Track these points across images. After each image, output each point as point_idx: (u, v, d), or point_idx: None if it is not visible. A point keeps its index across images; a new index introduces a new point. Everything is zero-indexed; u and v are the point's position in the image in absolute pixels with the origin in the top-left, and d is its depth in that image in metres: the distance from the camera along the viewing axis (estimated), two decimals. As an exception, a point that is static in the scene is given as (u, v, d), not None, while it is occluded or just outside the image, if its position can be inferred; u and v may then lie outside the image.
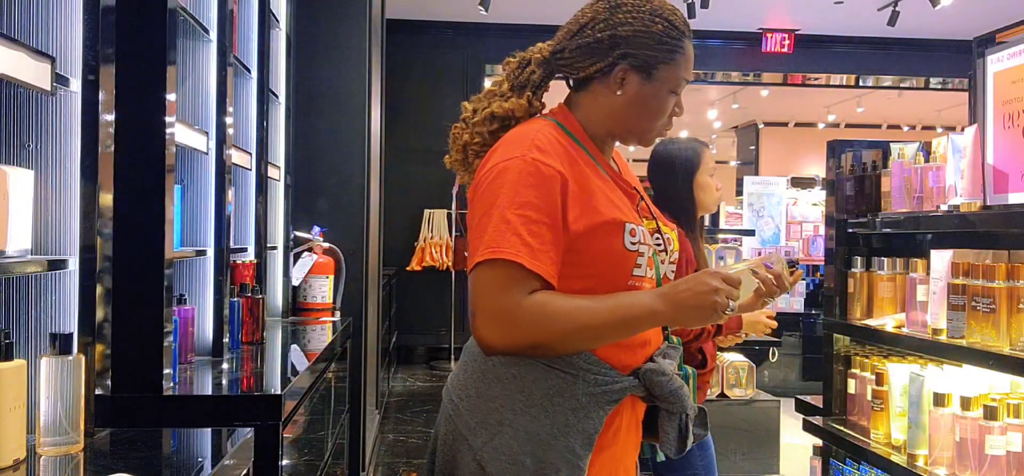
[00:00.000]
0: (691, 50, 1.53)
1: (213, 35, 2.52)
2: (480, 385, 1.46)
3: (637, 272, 1.47)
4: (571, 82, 1.58)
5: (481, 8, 7.33)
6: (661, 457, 1.58)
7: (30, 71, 1.49)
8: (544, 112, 1.57)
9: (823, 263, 3.42)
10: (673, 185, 2.63)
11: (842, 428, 3.03)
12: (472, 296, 1.41)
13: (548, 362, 1.43)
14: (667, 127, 1.56)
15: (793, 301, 7.37)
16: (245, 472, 1.71)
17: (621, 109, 1.51)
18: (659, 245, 1.54)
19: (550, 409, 1.42)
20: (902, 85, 9.89)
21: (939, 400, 2.43)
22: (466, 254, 8.37)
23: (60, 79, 1.63)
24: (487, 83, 8.99)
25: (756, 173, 13.41)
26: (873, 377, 2.90)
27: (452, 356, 8.22)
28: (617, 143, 1.60)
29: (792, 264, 1.57)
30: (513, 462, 1.41)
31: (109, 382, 1.85)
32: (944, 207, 2.69)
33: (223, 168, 2.56)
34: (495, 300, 1.37)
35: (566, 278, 1.42)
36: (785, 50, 8.95)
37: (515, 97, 1.54)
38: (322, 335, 3.32)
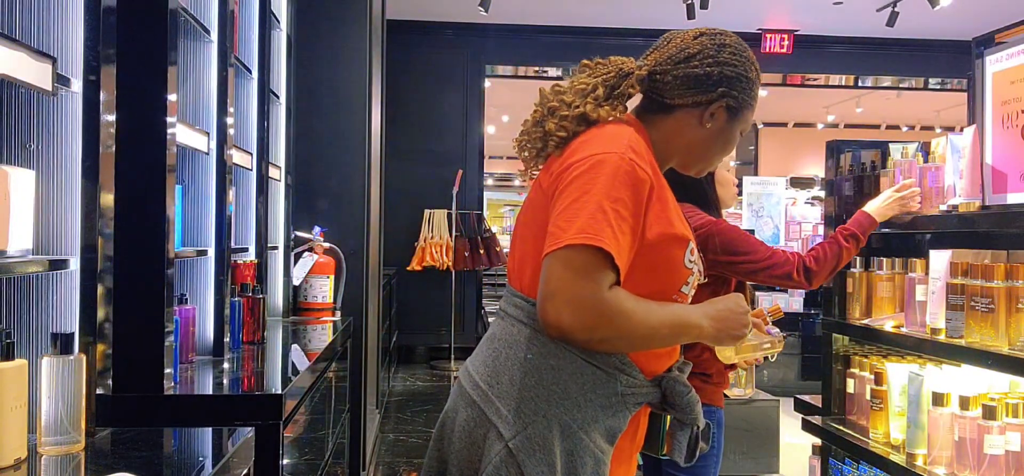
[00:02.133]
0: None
1: (214, 35, 2.52)
2: (514, 373, 1.47)
3: (685, 289, 1.52)
4: (647, 101, 1.59)
5: (481, 8, 7.33)
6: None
7: (31, 71, 1.50)
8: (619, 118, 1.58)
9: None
10: (697, 179, 2.62)
11: (841, 427, 3.03)
12: (553, 276, 1.37)
13: (587, 357, 1.45)
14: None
15: (792, 301, 7.38)
16: (246, 471, 1.71)
17: (701, 142, 1.56)
18: (699, 266, 1.58)
19: (583, 403, 1.45)
20: (901, 85, 9.89)
21: (938, 400, 2.44)
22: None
23: (61, 79, 1.63)
24: (487, 83, 9.05)
25: (755, 173, 13.44)
26: (872, 377, 2.90)
27: (452, 356, 8.22)
28: None
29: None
30: (546, 452, 1.43)
31: (110, 382, 1.86)
32: (943, 207, 2.70)
33: (224, 168, 2.56)
34: (581, 287, 1.35)
35: (624, 280, 1.43)
36: (784, 50, 8.95)
37: (608, 106, 1.54)
38: (323, 335, 3.33)
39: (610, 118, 1.53)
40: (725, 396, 2.68)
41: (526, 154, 1.59)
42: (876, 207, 2.66)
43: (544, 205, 1.47)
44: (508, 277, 1.58)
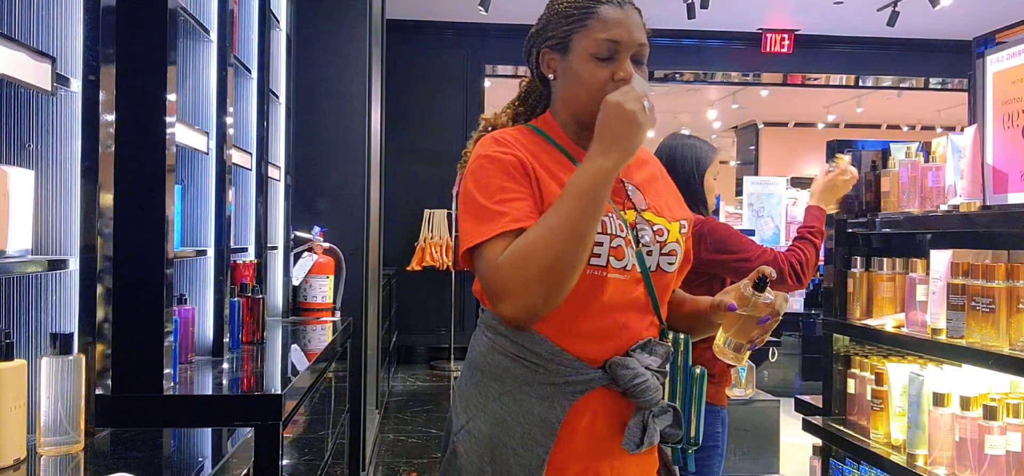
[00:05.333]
0: (611, 13, 1.51)
1: (213, 35, 2.52)
2: (467, 375, 1.57)
3: (594, 261, 1.46)
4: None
5: (481, 8, 7.33)
6: (693, 467, 1.58)
7: (31, 71, 1.50)
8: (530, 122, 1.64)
9: (823, 263, 3.42)
10: (689, 178, 2.67)
11: (842, 428, 3.03)
12: (481, 287, 1.46)
13: (516, 353, 1.49)
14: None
15: (793, 301, 7.37)
16: (245, 472, 1.71)
17: (563, 92, 1.56)
18: (643, 234, 1.52)
19: (519, 397, 1.49)
20: (902, 85, 9.89)
21: (939, 400, 2.43)
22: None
23: (61, 79, 1.63)
24: (487, 83, 9.05)
25: (756, 173, 13.42)
26: (873, 377, 2.90)
27: (452, 356, 8.22)
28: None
29: (760, 284, 1.52)
30: (478, 443, 1.49)
31: (109, 382, 1.85)
32: (944, 207, 2.69)
33: (223, 168, 2.56)
34: (494, 276, 1.40)
35: None
36: (785, 50, 8.95)
37: (504, 112, 1.68)
38: (322, 335, 3.32)
39: (504, 118, 1.66)
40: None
41: None
42: (818, 197, 2.79)
43: None
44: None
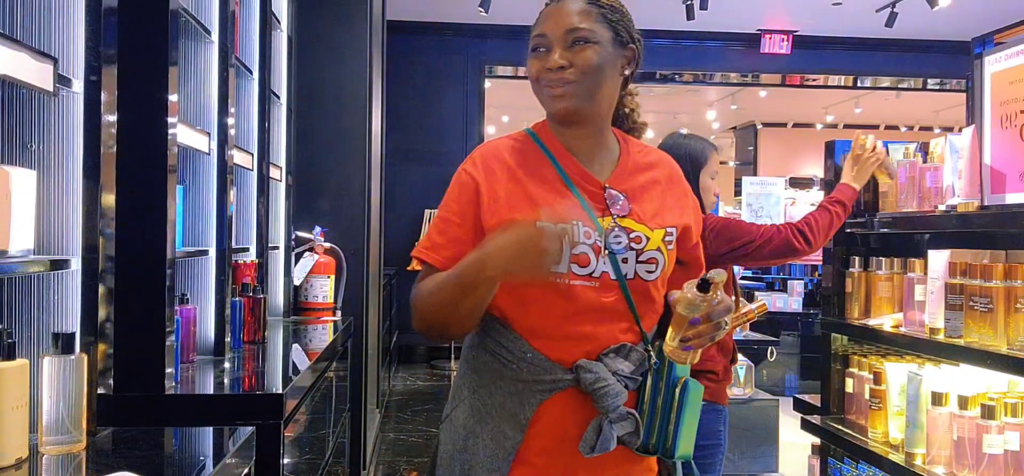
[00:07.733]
0: (544, 10, 1.57)
1: (215, 36, 2.53)
2: (459, 369, 1.65)
3: (557, 268, 1.45)
4: None
5: (481, 8, 7.34)
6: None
7: (32, 72, 1.50)
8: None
9: (821, 263, 3.43)
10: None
11: (840, 427, 3.04)
12: None
13: (494, 349, 1.53)
14: (552, 85, 1.53)
15: (792, 301, 7.38)
16: (246, 471, 1.72)
17: None
18: (617, 241, 1.51)
19: (494, 391, 1.53)
20: (900, 86, 9.90)
21: (937, 399, 2.44)
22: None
23: (62, 80, 1.63)
24: (487, 83, 9.06)
25: (755, 173, 13.42)
26: (871, 376, 2.91)
27: (452, 356, 8.22)
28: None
29: (702, 286, 1.39)
30: (454, 432, 1.56)
31: (111, 381, 1.86)
32: (942, 207, 2.70)
33: (225, 168, 2.57)
34: (413, 296, 1.54)
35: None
36: (783, 51, 8.96)
37: None
38: (323, 334, 3.33)
39: None
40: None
41: None
42: (851, 176, 2.80)
43: None
44: None
